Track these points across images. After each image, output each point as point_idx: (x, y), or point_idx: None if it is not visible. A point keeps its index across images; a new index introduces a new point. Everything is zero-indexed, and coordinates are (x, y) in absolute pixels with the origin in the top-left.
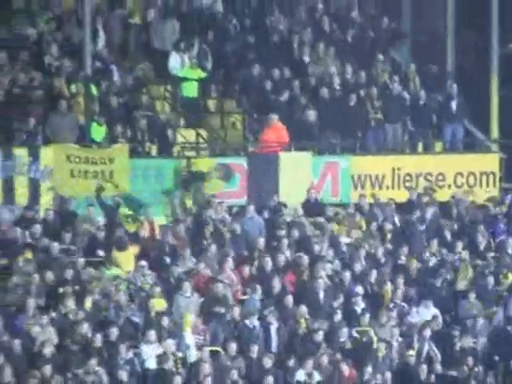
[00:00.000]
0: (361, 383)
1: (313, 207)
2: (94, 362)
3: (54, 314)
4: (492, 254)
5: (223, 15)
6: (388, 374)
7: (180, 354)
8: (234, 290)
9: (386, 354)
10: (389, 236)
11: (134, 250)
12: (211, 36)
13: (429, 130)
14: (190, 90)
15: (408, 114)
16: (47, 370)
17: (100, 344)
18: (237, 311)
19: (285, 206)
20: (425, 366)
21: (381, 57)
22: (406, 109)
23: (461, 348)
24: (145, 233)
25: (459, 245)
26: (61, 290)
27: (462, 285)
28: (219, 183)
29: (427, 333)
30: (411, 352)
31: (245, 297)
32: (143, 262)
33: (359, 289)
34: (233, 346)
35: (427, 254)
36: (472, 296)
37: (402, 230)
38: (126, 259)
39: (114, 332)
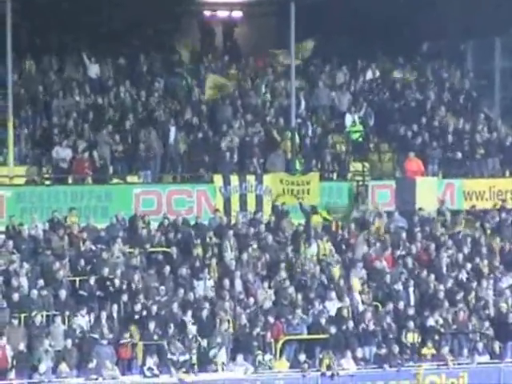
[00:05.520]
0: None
1: (440, 213)
2: (299, 311)
3: (273, 282)
4: None
5: (377, 88)
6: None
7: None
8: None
9: (483, 306)
10: (488, 230)
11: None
12: (373, 102)
13: None
14: (357, 137)
15: (500, 151)
16: (268, 317)
17: (302, 301)
18: (388, 279)
19: (421, 209)
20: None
21: (482, 115)
22: (498, 148)
23: None
24: (333, 228)
25: None
26: (280, 266)
27: None
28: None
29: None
30: (504, 305)
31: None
32: (332, 247)
33: (468, 265)
34: (386, 302)
35: None
36: None
37: (497, 226)
38: (323, 245)
39: (310, 293)
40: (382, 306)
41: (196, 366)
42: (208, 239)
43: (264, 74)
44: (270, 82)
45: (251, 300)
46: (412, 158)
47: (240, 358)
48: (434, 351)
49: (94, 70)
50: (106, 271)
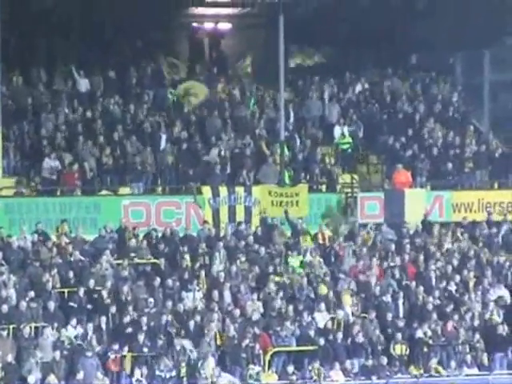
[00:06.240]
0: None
1: (426, 225)
2: (288, 323)
3: (261, 294)
4: None
5: (365, 101)
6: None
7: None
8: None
9: (472, 317)
10: (480, 243)
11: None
12: (362, 115)
13: (502, 174)
14: (346, 149)
15: (489, 163)
16: (256, 329)
17: (291, 312)
18: (377, 291)
19: (407, 223)
20: (501, 326)
21: (471, 127)
22: (487, 160)
23: None
24: (320, 240)
25: None
26: (268, 278)
27: None
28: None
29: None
30: (493, 316)
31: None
32: (320, 259)
33: (456, 277)
34: (374, 313)
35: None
36: None
37: (487, 240)
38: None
39: (299, 304)
40: (371, 318)
41: (185, 379)
42: (197, 251)
43: (252, 85)
44: (257, 94)
45: (239, 311)
46: (400, 169)
47: (222, 372)
48: (422, 371)
49: (83, 83)
50: (94, 283)
